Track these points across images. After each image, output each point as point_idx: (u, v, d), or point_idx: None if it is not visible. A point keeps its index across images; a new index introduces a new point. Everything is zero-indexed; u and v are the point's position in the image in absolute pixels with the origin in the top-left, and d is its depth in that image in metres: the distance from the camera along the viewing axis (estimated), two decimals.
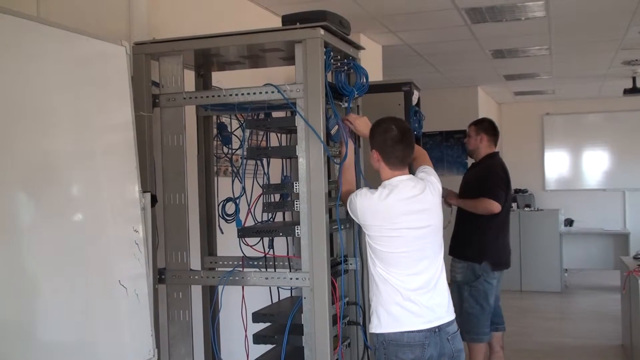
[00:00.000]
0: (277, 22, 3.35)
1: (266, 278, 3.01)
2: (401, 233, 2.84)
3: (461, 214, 4.80)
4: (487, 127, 4.91)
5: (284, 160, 3.54)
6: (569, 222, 10.66)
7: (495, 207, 4.56)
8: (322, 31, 2.82)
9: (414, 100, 4.76)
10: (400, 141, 2.87)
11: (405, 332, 2.81)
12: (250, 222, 3.23)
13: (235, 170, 3.38)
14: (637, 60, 8.25)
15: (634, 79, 9.33)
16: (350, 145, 3.07)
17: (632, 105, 11.31)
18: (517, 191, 11.70)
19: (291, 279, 2.92)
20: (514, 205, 10.12)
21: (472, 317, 4.62)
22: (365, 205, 2.85)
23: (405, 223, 2.84)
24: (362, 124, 3.07)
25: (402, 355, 2.80)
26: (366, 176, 3.30)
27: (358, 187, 3.09)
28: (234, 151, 3.45)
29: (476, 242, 4.64)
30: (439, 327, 2.85)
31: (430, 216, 2.92)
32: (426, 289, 2.87)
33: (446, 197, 4.72)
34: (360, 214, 2.87)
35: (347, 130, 3.06)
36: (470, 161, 5.23)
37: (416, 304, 2.84)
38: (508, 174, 4.82)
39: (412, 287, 2.84)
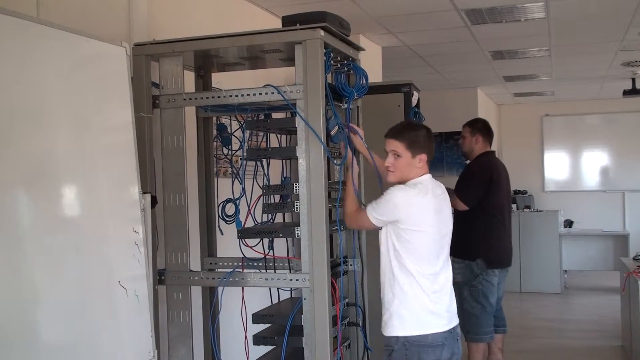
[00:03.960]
0: (277, 23, 3.35)
1: (266, 279, 3.01)
2: (430, 230, 2.91)
3: (457, 213, 4.81)
4: (482, 128, 4.93)
5: (284, 161, 3.54)
6: (569, 224, 10.65)
7: (459, 205, 4.61)
8: (322, 32, 2.82)
9: (414, 102, 4.76)
10: (431, 139, 3.02)
11: (429, 334, 2.87)
12: (250, 223, 3.23)
13: (235, 171, 3.38)
14: (636, 61, 8.24)
15: (633, 80, 9.32)
16: (356, 169, 3.11)
17: (631, 107, 11.30)
18: (517, 192, 11.70)
19: (291, 280, 2.92)
20: (513, 206, 10.14)
21: (472, 316, 4.62)
22: (405, 198, 2.89)
23: (434, 220, 2.93)
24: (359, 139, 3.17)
25: (425, 356, 2.85)
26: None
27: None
28: (233, 152, 3.45)
29: (468, 240, 4.64)
30: (453, 328, 2.95)
31: (449, 218, 3.06)
32: (444, 291, 2.96)
33: None
34: (403, 207, 2.88)
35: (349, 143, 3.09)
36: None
37: (439, 304, 2.91)
38: (499, 174, 4.82)
39: (434, 288, 2.91)
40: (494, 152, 5.02)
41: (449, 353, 2.89)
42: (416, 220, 2.87)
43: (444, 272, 2.98)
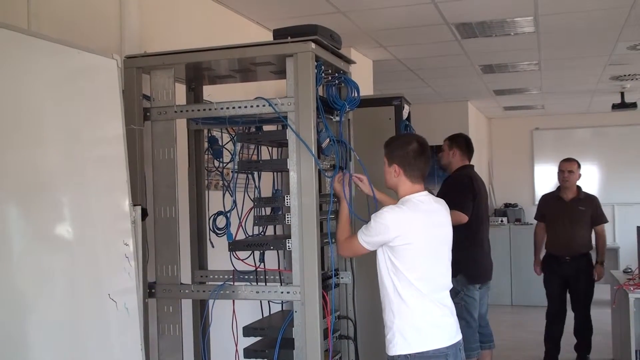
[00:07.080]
0: (268, 36, 3.36)
1: (257, 292, 3.00)
2: (425, 244, 2.89)
3: None
4: (461, 143, 5.04)
5: (275, 173, 3.53)
6: None
7: (462, 217, 4.64)
8: (313, 45, 2.83)
9: (405, 115, 4.78)
10: (422, 154, 2.97)
11: (432, 349, 2.85)
12: (241, 236, 3.22)
13: (226, 183, 3.37)
14: (625, 75, 8.32)
15: (622, 94, 9.39)
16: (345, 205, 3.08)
17: (620, 120, 11.39)
18: (507, 205, 11.74)
19: (282, 292, 2.91)
20: (504, 219, 10.17)
21: None
22: (397, 216, 2.87)
23: (428, 234, 2.92)
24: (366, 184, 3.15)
25: None
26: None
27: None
28: (225, 165, 3.44)
29: None
30: (457, 342, 2.95)
31: (448, 232, 3.04)
32: (445, 306, 2.96)
33: None
34: (393, 226, 2.84)
35: (348, 187, 3.09)
36: None
37: (441, 318, 2.92)
38: (478, 187, 4.92)
39: (434, 303, 2.90)
40: (472, 166, 5.11)
41: None
42: (408, 236, 2.85)
43: (444, 287, 2.98)
